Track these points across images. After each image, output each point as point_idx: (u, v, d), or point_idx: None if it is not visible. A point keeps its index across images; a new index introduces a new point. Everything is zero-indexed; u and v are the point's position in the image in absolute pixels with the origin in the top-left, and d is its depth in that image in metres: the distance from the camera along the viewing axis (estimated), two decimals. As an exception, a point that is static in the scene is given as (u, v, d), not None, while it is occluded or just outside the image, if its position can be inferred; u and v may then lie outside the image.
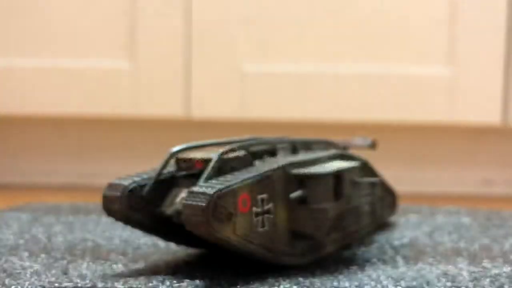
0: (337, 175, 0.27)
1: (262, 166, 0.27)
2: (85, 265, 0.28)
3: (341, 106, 0.97)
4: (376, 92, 0.97)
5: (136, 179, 0.26)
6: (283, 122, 0.97)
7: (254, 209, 0.25)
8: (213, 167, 0.25)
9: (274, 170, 0.26)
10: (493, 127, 1.00)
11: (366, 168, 0.32)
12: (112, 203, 0.26)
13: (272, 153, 0.29)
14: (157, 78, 0.94)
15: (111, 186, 0.26)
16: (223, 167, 0.26)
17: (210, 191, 0.24)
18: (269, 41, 0.98)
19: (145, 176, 0.27)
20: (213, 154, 0.26)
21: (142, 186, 0.26)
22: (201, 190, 0.24)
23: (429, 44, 0.97)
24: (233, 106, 0.96)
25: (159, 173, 0.27)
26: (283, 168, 0.27)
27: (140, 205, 0.26)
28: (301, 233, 0.27)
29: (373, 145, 0.35)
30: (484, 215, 0.39)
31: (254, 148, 0.28)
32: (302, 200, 0.27)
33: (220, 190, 0.24)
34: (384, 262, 0.29)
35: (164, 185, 0.27)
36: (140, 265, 0.28)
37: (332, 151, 0.31)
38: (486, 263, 0.28)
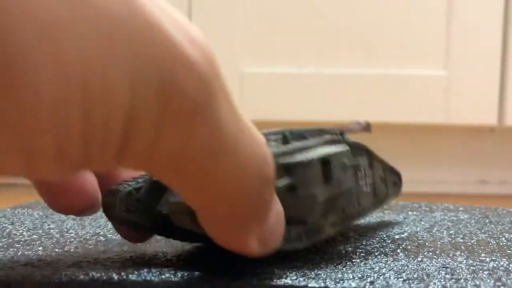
0: (324, 160, 0.28)
1: None
2: (98, 259, 0.29)
3: (339, 107, 0.98)
4: (373, 93, 0.98)
5: (131, 182, 0.28)
6: (283, 122, 0.98)
7: None
8: None
9: None
10: (489, 127, 1.02)
11: (361, 151, 0.32)
12: (110, 208, 0.27)
13: None
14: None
15: (108, 192, 0.27)
16: None
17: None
18: (270, 43, 0.99)
19: (140, 180, 0.28)
20: None
21: (138, 189, 0.28)
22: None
23: (426, 46, 0.98)
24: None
25: None
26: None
27: (137, 207, 0.27)
28: (294, 219, 0.27)
29: (367, 128, 0.34)
30: (481, 212, 0.40)
31: None
32: (291, 188, 0.27)
33: None
34: (386, 255, 0.30)
35: (159, 185, 0.27)
36: (151, 258, 0.29)
37: (323, 138, 0.31)
38: (484, 257, 0.30)
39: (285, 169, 0.27)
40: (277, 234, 0.25)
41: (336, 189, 0.29)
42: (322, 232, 0.29)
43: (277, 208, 0.25)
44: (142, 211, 0.27)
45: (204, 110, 0.20)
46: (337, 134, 0.33)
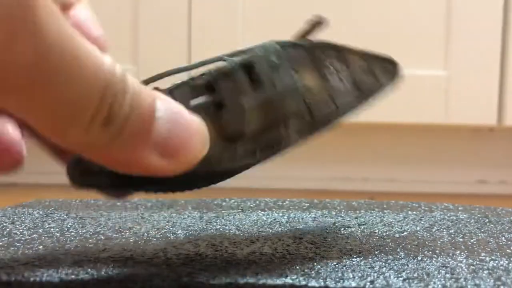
0: (246, 65, 0.27)
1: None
2: (99, 257, 0.29)
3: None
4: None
5: None
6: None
7: None
8: None
9: (171, 90, 0.26)
10: (488, 127, 1.02)
11: (324, 49, 0.30)
12: (68, 176, 0.26)
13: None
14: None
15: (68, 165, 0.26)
16: None
17: None
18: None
19: None
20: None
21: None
22: None
23: (426, 46, 0.98)
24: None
25: None
26: (187, 84, 0.27)
27: (95, 168, 0.26)
28: (234, 136, 0.27)
29: (319, 23, 0.31)
30: (480, 212, 0.40)
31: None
32: (218, 105, 0.26)
33: None
34: (386, 254, 0.30)
35: None
36: (152, 257, 0.29)
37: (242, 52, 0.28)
38: (483, 256, 0.30)
39: (207, 88, 0.26)
40: (182, 143, 0.24)
41: (270, 92, 0.27)
42: (285, 142, 0.28)
43: (166, 116, 0.24)
44: (100, 171, 0.26)
45: (22, 17, 0.20)
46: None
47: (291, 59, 0.29)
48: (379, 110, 1.03)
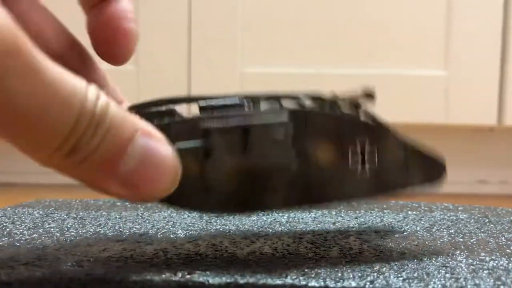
0: (246, 130, 0.27)
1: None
2: (99, 258, 0.29)
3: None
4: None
5: None
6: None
7: None
8: None
9: (170, 124, 0.27)
10: (488, 127, 1.02)
11: (361, 129, 0.28)
12: None
13: (238, 107, 0.28)
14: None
15: None
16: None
17: None
18: (270, 43, 0.99)
19: None
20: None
21: None
22: None
23: (426, 46, 0.98)
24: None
25: None
26: (189, 122, 0.27)
27: None
28: (210, 185, 0.27)
29: (366, 95, 0.29)
30: (480, 212, 0.40)
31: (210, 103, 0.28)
32: (207, 153, 0.27)
33: None
34: (386, 254, 0.30)
35: None
36: (152, 257, 0.29)
37: (268, 106, 0.28)
38: (483, 256, 0.30)
39: (204, 133, 0.27)
40: (148, 180, 0.24)
41: (257, 162, 0.27)
42: (266, 206, 0.28)
43: (138, 151, 0.24)
44: None
45: None
46: (296, 100, 0.29)
47: (306, 130, 0.28)
48: (379, 110, 1.04)
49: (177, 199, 0.27)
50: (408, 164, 0.29)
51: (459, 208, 0.41)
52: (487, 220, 0.38)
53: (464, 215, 0.39)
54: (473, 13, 0.97)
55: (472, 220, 0.37)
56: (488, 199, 0.99)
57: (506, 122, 0.98)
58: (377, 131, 0.28)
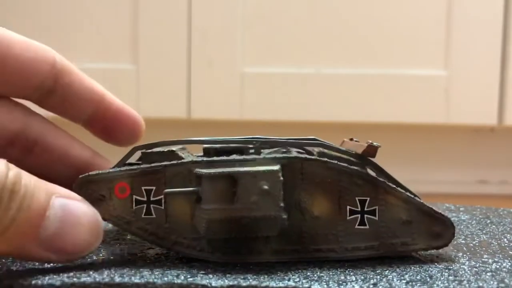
0: (232, 177, 0.27)
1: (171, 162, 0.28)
2: (100, 260, 0.29)
3: (339, 107, 0.98)
4: (373, 93, 0.98)
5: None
6: (283, 122, 0.98)
7: (135, 197, 0.28)
8: (121, 159, 0.29)
9: (166, 166, 0.28)
10: (489, 127, 1.02)
11: (368, 186, 0.28)
12: None
13: (240, 152, 0.29)
14: (159, 80, 0.95)
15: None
16: (144, 159, 0.29)
17: (85, 177, 0.28)
18: (270, 43, 0.99)
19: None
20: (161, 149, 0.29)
21: None
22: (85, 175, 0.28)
23: (426, 46, 0.98)
24: (233, 107, 0.97)
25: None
26: (184, 165, 0.28)
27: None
28: (197, 232, 0.28)
29: (369, 150, 0.28)
30: (482, 213, 0.40)
31: (216, 147, 0.29)
32: (198, 199, 0.27)
33: (92, 175, 0.28)
34: (388, 257, 0.30)
35: None
36: (153, 260, 0.29)
37: (276, 154, 0.28)
38: (486, 258, 0.30)
39: (197, 178, 0.27)
40: (70, 239, 0.25)
41: (243, 211, 0.27)
42: (255, 255, 0.28)
43: (58, 214, 0.25)
44: None
45: None
46: (300, 150, 0.29)
47: (302, 179, 0.28)
48: (379, 110, 1.04)
49: (167, 243, 0.28)
50: (409, 222, 0.28)
51: (461, 209, 0.41)
52: (488, 221, 0.38)
53: (466, 216, 0.39)
54: (473, 13, 0.97)
55: (474, 221, 0.37)
56: (488, 199, 0.99)
57: (506, 122, 0.98)
58: (376, 183, 0.28)
